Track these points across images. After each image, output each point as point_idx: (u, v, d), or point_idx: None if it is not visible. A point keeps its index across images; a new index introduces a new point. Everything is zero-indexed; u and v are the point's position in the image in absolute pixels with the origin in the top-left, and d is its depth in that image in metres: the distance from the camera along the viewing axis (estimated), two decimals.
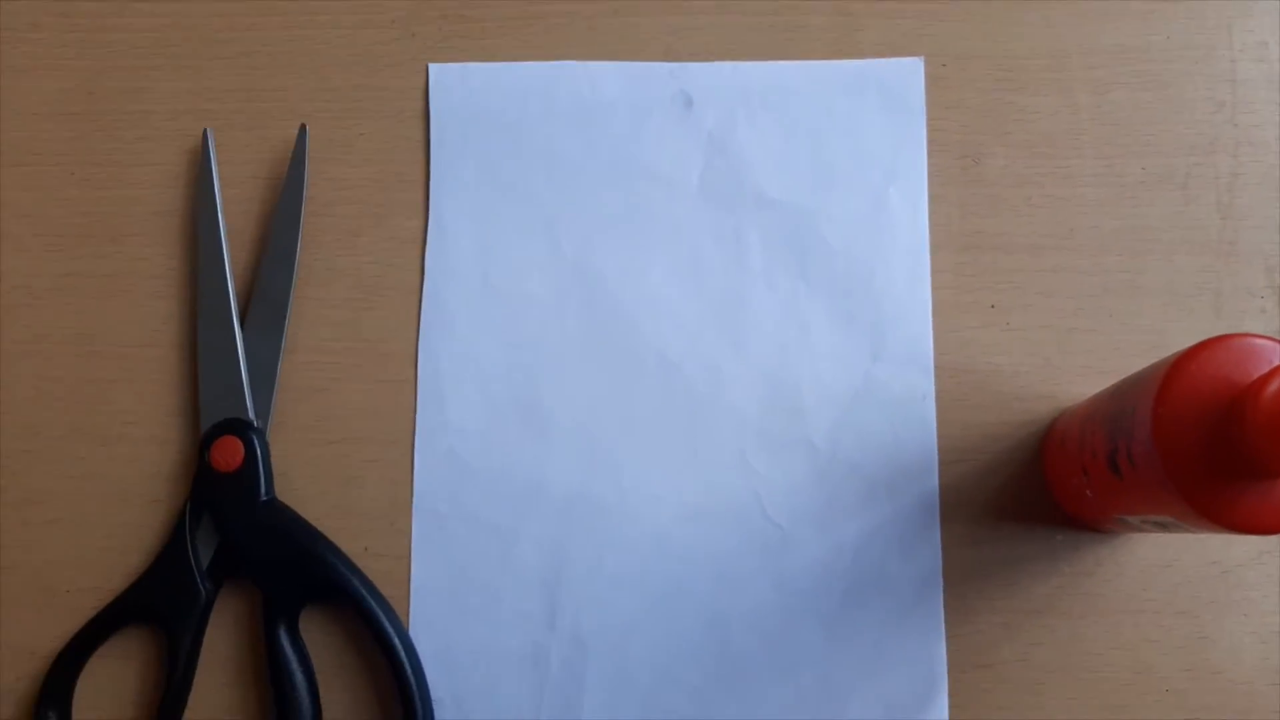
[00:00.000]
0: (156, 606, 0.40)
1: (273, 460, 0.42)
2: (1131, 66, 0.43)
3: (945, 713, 0.39)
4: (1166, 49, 0.43)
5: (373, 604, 0.39)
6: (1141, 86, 0.43)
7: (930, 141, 0.43)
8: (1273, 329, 0.41)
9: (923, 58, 0.44)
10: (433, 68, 0.44)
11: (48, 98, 0.45)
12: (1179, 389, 0.30)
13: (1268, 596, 0.40)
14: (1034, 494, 0.41)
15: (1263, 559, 0.40)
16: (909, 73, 0.43)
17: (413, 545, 0.41)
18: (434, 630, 0.40)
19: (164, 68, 0.45)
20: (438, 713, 0.40)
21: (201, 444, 0.41)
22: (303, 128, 0.44)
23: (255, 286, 0.43)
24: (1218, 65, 0.43)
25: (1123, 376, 0.36)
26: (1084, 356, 0.42)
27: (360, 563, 0.40)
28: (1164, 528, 0.34)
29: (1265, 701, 0.39)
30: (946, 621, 0.40)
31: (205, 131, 0.44)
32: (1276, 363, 0.29)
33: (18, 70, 0.45)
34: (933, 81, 0.44)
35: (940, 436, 0.41)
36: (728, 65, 0.44)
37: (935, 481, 0.41)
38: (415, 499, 0.41)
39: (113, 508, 0.42)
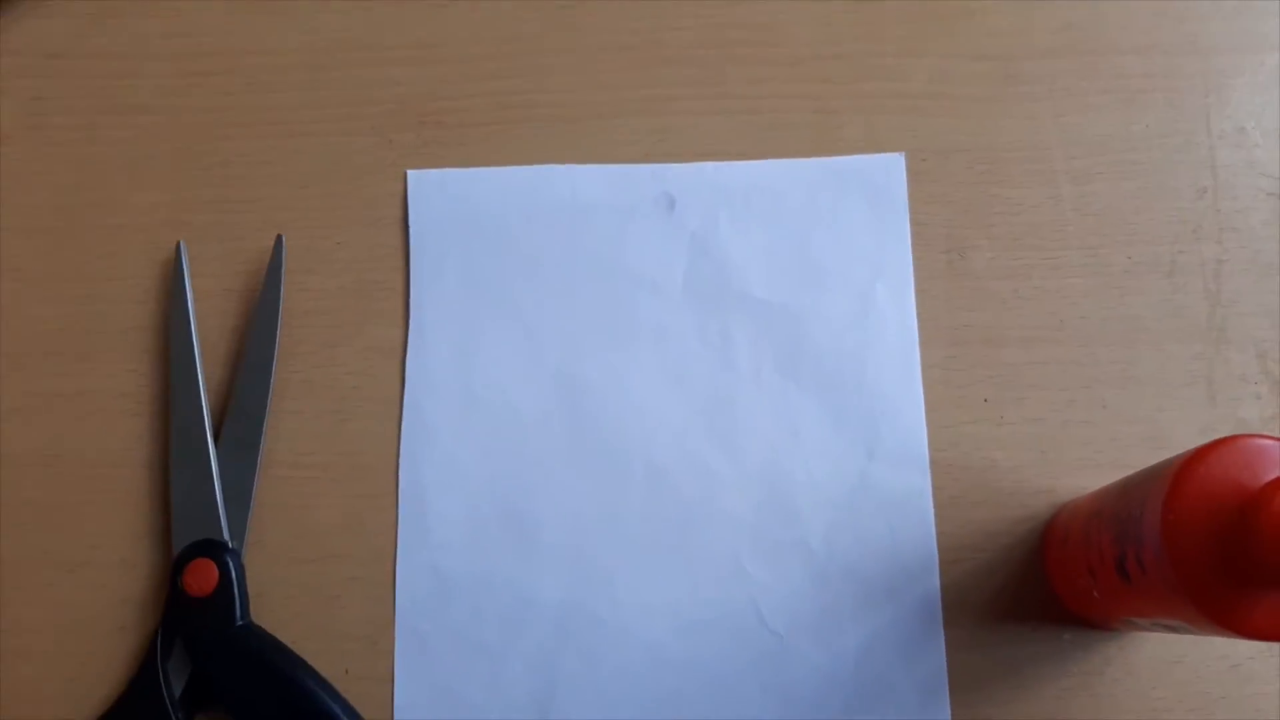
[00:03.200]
0: None
1: (248, 582, 0.40)
2: (1112, 156, 0.43)
3: None
4: (1146, 138, 0.44)
5: None
6: (1123, 176, 0.43)
7: (915, 236, 0.43)
8: (1268, 415, 0.41)
9: (904, 153, 0.44)
10: (411, 174, 0.44)
11: (17, 211, 0.44)
12: (1187, 493, 0.29)
13: (1278, 690, 0.39)
14: (1037, 592, 0.40)
15: (1272, 650, 0.39)
16: (891, 168, 0.43)
17: (396, 666, 0.40)
18: None
19: (137, 180, 0.44)
20: None
21: (173, 567, 0.40)
22: (279, 238, 0.43)
23: (230, 402, 0.41)
24: (1197, 152, 0.43)
25: (1119, 468, 0.36)
26: (1080, 449, 0.41)
27: (341, 686, 0.39)
28: (1173, 630, 0.33)
29: None
30: None
31: (179, 244, 0.43)
32: None
33: None
34: (915, 176, 0.43)
35: (939, 535, 0.40)
36: (710, 165, 0.44)
37: (936, 582, 0.40)
38: (397, 618, 0.40)
39: (80, 636, 0.40)
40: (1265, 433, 0.30)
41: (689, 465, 0.41)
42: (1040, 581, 0.40)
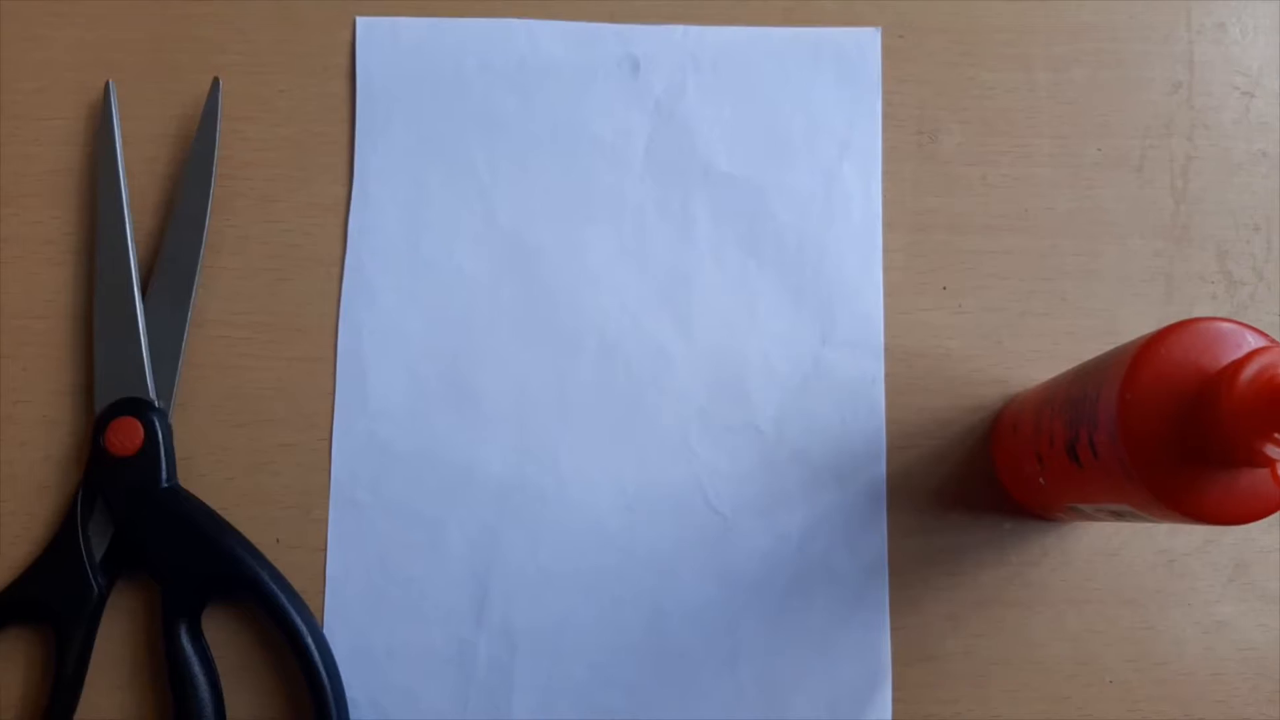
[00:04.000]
0: (44, 602, 0.37)
1: (175, 444, 0.38)
2: (1091, 44, 0.42)
3: (889, 708, 0.38)
4: (1128, 28, 0.42)
5: (283, 599, 0.37)
6: (1100, 65, 0.42)
7: (885, 116, 0.42)
8: (1222, 314, 0.41)
9: (880, 28, 0.42)
10: (360, 21, 0.41)
11: None
12: (1146, 375, 0.29)
13: (1212, 586, 0.39)
14: (982, 481, 0.39)
15: (1208, 548, 0.39)
16: (866, 43, 0.42)
17: (329, 536, 0.38)
18: (350, 627, 0.38)
19: (65, 14, 0.42)
20: (353, 714, 0.37)
21: (96, 425, 0.38)
22: (215, 81, 0.40)
23: (160, 254, 0.39)
24: (1176, 46, 0.42)
25: (1075, 362, 0.35)
26: (1036, 340, 0.40)
27: (271, 555, 0.38)
28: (1119, 516, 0.33)
29: (1208, 693, 0.39)
30: (891, 614, 0.39)
31: (107, 84, 0.40)
32: (1245, 348, 0.28)
33: None
34: (890, 53, 0.42)
35: (889, 422, 0.40)
36: (678, 29, 0.42)
37: (883, 469, 0.39)
38: (333, 486, 0.39)
39: None
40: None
41: (641, 341, 0.40)
42: (987, 471, 0.39)
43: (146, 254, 0.40)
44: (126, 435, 0.38)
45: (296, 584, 0.38)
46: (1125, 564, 0.39)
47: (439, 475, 0.39)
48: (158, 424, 0.38)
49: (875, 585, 0.39)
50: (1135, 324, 0.40)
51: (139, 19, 0.42)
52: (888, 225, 0.41)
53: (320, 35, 0.41)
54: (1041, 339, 0.40)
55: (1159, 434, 0.28)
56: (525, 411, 0.39)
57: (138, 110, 0.41)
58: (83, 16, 0.42)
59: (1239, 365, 0.27)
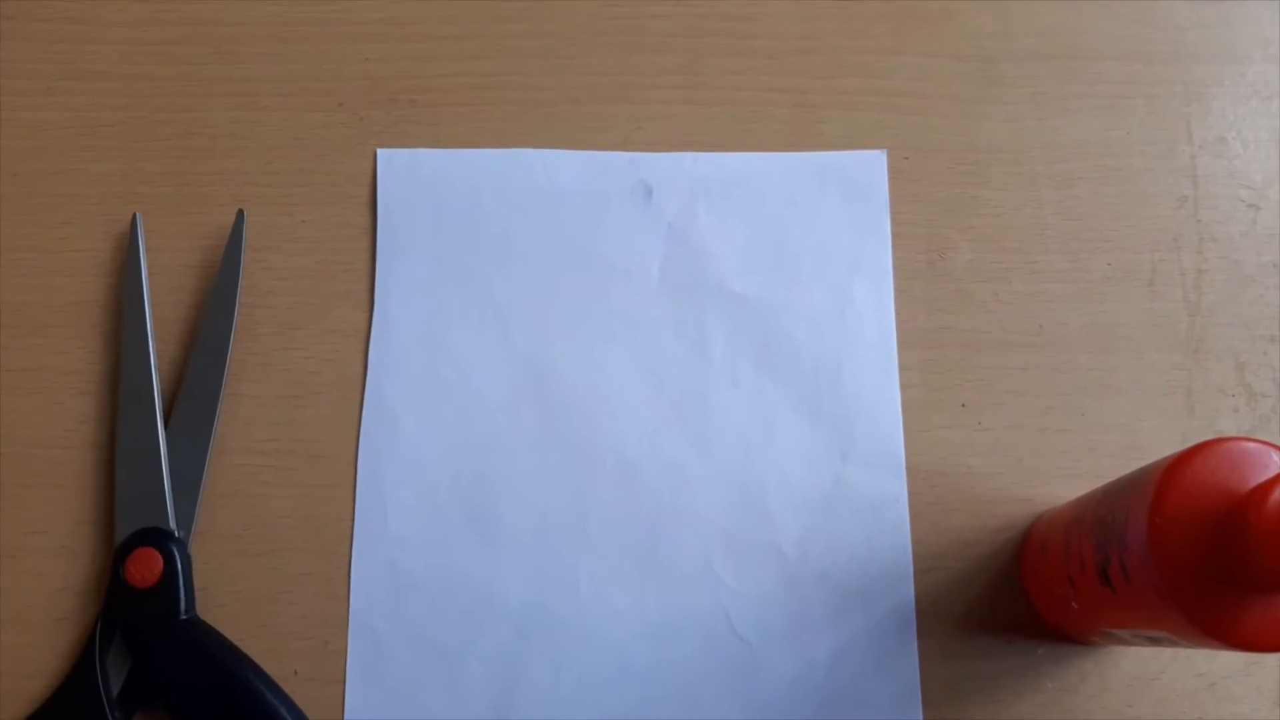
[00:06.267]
0: None
1: (195, 574, 0.38)
2: (1093, 161, 0.43)
3: None
4: (1127, 144, 0.43)
5: None
6: (1104, 181, 0.43)
7: (895, 235, 0.42)
8: (1246, 427, 0.41)
9: (885, 150, 0.43)
10: (381, 153, 0.43)
11: None
12: (1174, 497, 0.28)
13: (1257, 710, 0.38)
14: (1013, 603, 0.39)
15: (1250, 670, 0.38)
16: (872, 165, 0.43)
17: (348, 668, 0.38)
18: None
19: (94, 149, 0.43)
20: None
21: (116, 556, 0.38)
22: (240, 213, 0.41)
23: (183, 383, 0.40)
24: (1178, 161, 0.43)
25: (1097, 478, 0.35)
26: (1058, 457, 0.40)
27: (289, 688, 0.37)
28: (1156, 642, 0.32)
29: None
30: None
31: (135, 216, 0.41)
32: (1272, 469, 0.28)
33: None
34: (896, 174, 0.43)
35: (914, 542, 0.39)
36: (688, 156, 0.43)
37: (910, 590, 0.39)
38: (351, 616, 0.38)
39: (16, 627, 0.38)
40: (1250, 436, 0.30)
41: (660, 462, 0.40)
42: (1016, 592, 0.39)
43: (170, 383, 0.40)
44: (146, 566, 0.37)
45: (315, 718, 0.37)
46: (1166, 689, 0.38)
47: (459, 603, 0.38)
48: (177, 554, 0.38)
49: (908, 713, 0.37)
50: (1157, 438, 0.40)
51: (165, 152, 0.43)
52: (902, 343, 0.41)
53: (341, 166, 0.43)
54: (1063, 456, 0.40)
55: (1191, 557, 0.28)
56: (545, 536, 0.39)
57: (163, 241, 0.42)
58: (109, 150, 0.43)
59: (1266, 489, 0.26)
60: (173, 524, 0.38)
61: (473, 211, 0.42)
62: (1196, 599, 0.28)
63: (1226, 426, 0.40)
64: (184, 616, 0.37)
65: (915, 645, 0.38)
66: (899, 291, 0.42)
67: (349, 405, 0.40)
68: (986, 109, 0.44)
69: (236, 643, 0.37)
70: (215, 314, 0.40)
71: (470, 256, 0.42)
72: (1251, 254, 0.42)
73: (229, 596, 0.38)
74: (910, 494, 0.40)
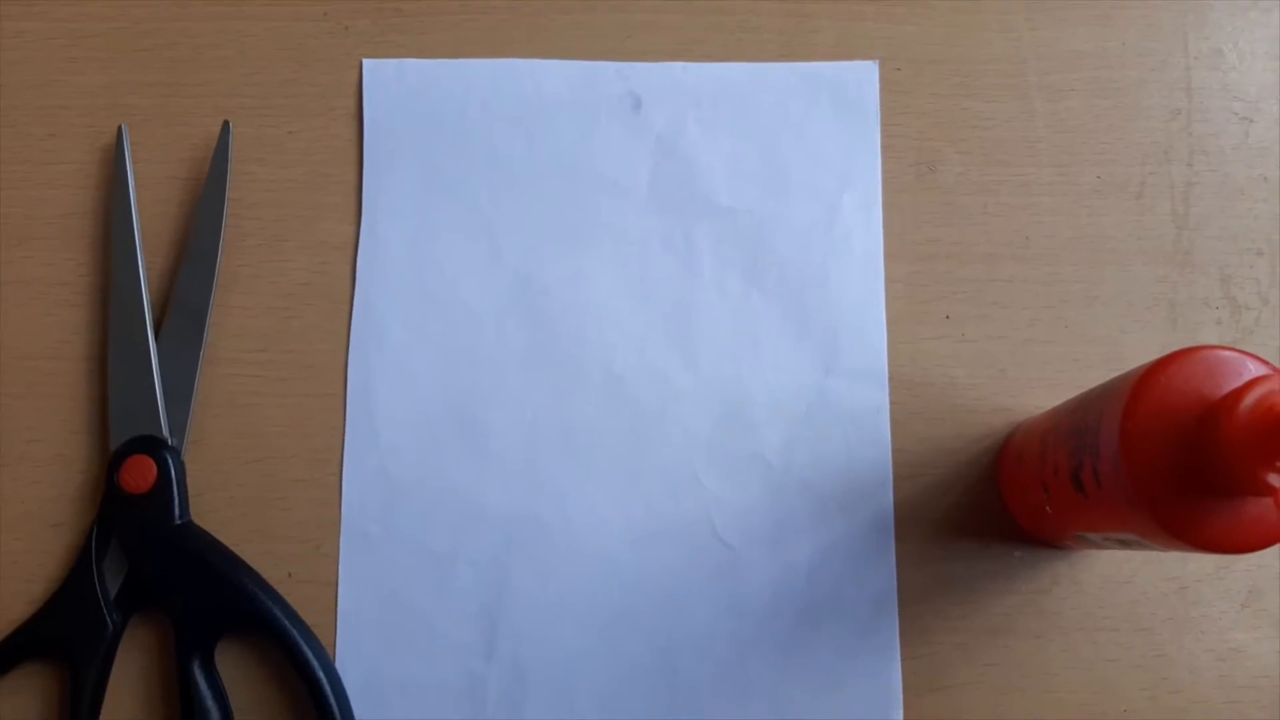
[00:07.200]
0: (60, 639, 0.37)
1: (188, 481, 0.39)
2: (1087, 73, 0.43)
3: None
4: (1122, 55, 0.43)
5: (295, 634, 0.37)
6: (1097, 93, 0.42)
7: (885, 147, 0.42)
8: (1227, 340, 0.41)
9: (878, 61, 0.42)
10: (367, 63, 0.42)
11: None
12: (1147, 404, 0.29)
13: (1225, 613, 0.39)
14: (990, 510, 0.39)
15: (1220, 575, 0.39)
16: (864, 76, 0.42)
17: (340, 570, 0.39)
18: (362, 661, 0.38)
19: (79, 60, 0.42)
20: None
21: (110, 463, 0.38)
22: (226, 124, 0.41)
23: (172, 294, 0.40)
24: (1173, 73, 0.43)
25: (1079, 389, 0.35)
26: (1040, 368, 0.40)
27: (282, 589, 0.38)
28: (1126, 545, 0.33)
29: None
30: (902, 644, 0.38)
31: (120, 127, 0.41)
32: (1246, 376, 0.28)
33: None
34: (888, 86, 0.42)
35: (894, 451, 0.40)
36: (678, 66, 0.42)
37: (890, 498, 0.39)
38: (343, 521, 0.39)
39: (13, 532, 0.39)
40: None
41: (647, 374, 0.40)
42: (994, 500, 0.39)
43: (159, 294, 0.40)
44: (140, 473, 0.38)
45: (308, 618, 0.38)
46: (1137, 591, 0.39)
47: (448, 509, 0.39)
48: (171, 461, 0.38)
49: (885, 615, 0.39)
50: (1140, 350, 0.41)
51: (149, 64, 0.42)
52: (889, 255, 0.41)
53: (327, 77, 0.42)
54: (1045, 366, 0.40)
55: (1161, 463, 0.28)
56: (532, 446, 0.40)
57: (149, 153, 0.41)
58: (94, 62, 0.42)
59: (1238, 394, 0.27)
60: (165, 432, 0.39)
61: (460, 123, 0.42)
62: (1164, 503, 0.28)
63: (1209, 338, 0.41)
64: (178, 521, 0.38)
65: (893, 550, 0.39)
66: (887, 204, 0.42)
67: (338, 317, 0.40)
68: (981, 19, 0.43)
69: (231, 547, 0.38)
70: (203, 226, 0.40)
71: (457, 168, 0.41)
72: (1242, 167, 0.42)
73: (223, 503, 0.39)
74: (893, 404, 0.40)
